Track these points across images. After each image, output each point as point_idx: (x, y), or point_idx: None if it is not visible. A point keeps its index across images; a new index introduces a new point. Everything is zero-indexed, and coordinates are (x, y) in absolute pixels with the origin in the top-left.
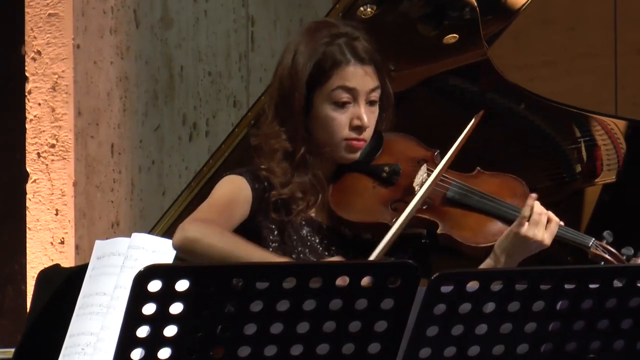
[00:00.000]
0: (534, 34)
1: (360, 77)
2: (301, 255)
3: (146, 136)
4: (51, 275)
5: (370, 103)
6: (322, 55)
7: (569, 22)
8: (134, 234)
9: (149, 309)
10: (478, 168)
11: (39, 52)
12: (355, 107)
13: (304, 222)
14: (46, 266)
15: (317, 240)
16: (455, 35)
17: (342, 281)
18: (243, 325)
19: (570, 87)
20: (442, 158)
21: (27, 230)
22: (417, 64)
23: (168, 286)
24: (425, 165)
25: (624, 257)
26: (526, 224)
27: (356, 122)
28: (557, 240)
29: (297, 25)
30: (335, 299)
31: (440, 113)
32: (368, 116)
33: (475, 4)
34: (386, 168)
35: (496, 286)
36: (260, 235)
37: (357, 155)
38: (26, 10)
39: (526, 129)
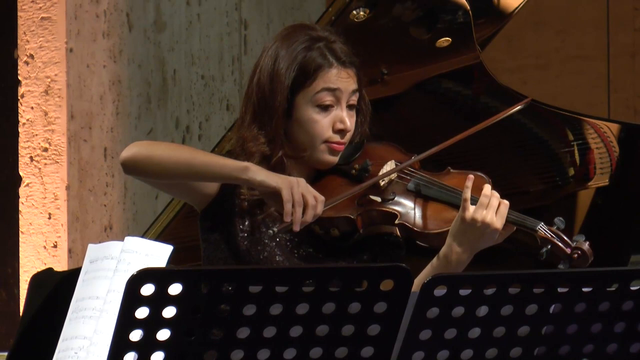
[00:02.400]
0: (526, 37)
1: (343, 79)
2: (267, 248)
3: (139, 140)
4: (44, 279)
5: (350, 107)
6: (304, 59)
7: (562, 25)
8: (126, 238)
9: (141, 312)
10: (448, 167)
11: (31, 56)
12: (338, 110)
13: (276, 217)
14: (39, 270)
15: (287, 238)
16: (448, 38)
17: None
18: (236, 329)
19: (563, 90)
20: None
21: (20, 234)
22: (410, 67)
23: (161, 290)
24: (393, 160)
25: (573, 243)
26: (471, 207)
27: (339, 125)
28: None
29: None
30: (329, 302)
31: (432, 116)
32: (349, 119)
33: (468, 7)
34: (356, 165)
35: (489, 290)
36: (231, 221)
37: (337, 159)
38: (19, 13)
39: (519, 132)
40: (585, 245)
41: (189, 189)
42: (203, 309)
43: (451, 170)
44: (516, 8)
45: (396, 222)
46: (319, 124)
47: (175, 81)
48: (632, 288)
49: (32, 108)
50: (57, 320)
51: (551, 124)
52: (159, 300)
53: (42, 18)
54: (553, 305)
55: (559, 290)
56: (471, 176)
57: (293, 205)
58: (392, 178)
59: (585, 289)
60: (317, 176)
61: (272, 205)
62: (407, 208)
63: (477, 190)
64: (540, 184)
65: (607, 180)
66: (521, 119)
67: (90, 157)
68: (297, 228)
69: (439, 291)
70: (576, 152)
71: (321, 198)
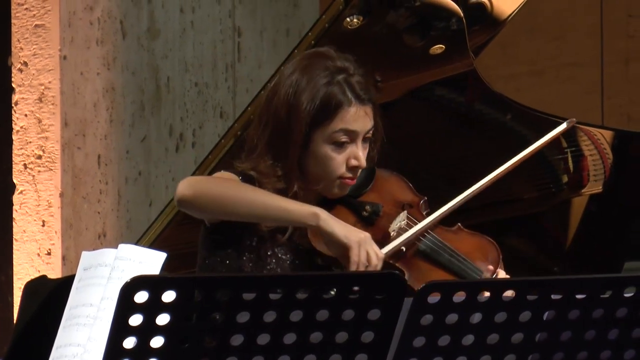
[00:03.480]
0: (520, 44)
1: (361, 118)
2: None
3: (133, 147)
4: (38, 287)
5: (365, 140)
6: (325, 96)
7: (556, 32)
8: (120, 245)
9: (135, 320)
10: (459, 224)
11: (25, 63)
12: (353, 147)
13: (284, 241)
14: (33, 277)
15: (289, 261)
16: (441, 45)
17: None
18: (230, 336)
19: (557, 97)
20: (426, 207)
21: (14, 241)
22: (404, 74)
23: (155, 297)
24: (405, 211)
25: None
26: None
27: (353, 162)
28: None
29: (284, 36)
30: (322, 309)
31: (426, 123)
32: (363, 153)
33: (462, 14)
34: (367, 207)
35: (483, 296)
36: (240, 241)
37: (347, 191)
38: (12, 21)
39: (513, 139)
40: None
41: None
42: (197, 317)
43: (461, 229)
44: (510, 15)
45: None
46: (334, 161)
47: (169, 88)
48: (626, 295)
49: (25, 115)
50: (50, 327)
51: (545, 131)
52: (153, 307)
53: (36, 25)
54: (547, 312)
55: (553, 297)
56: (490, 267)
57: (359, 266)
58: (402, 229)
59: (579, 296)
60: (325, 203)
61: (335, 254)
62: (416, 270)
63: (483, 259)
64: (534, 191)
65: (601, 187)
66: (515, 126)
67: (84, 164)
68: None
69: (433, 298)
70: (570, 159)
71: (381, 256)
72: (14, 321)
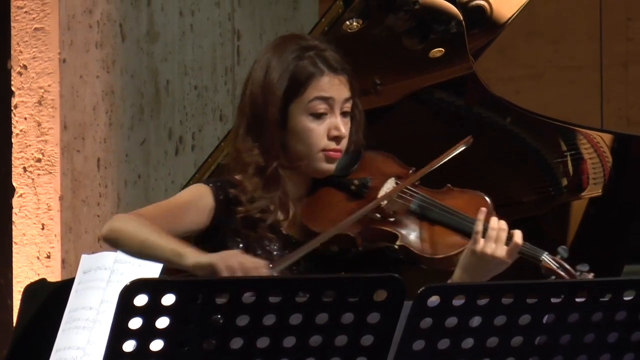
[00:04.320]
0: (519, 47)
1: (336, 86)
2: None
3: (132, 150)
4: (37, 290)
5: (344, 114)
6: (296, 69)
7: (555, 35)
8: None
9: (135, 323)
10: (448, 185)
11: (24, 67)
12: (332, 118)
13: (272, 237)
14: (32, 281)
15: (285, 254)
16: (441, 49)
17: None
18: (229, 339)
19: (556, 100)
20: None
21: (13, 244)
22: (403, 77)
23: (154, 300)
24: (393, 178)
25: (577, 273)
26: (481, 240)
27: (334, 132)
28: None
29: None
30: (322, 312)
31: (425, 126)
32: (344, 126)
33: (461, 17)
34: (355, 181)
35: (483, 300)
36: (225, 247)
37: (333, 166)
38: (12, 24)
39: (512, 142)
40: (590, 277)
41: (185, 231)
42: (196, 320)
43: (451, 188)
44: (509, 18)
45: (397, 243)
46: (314, 132)
47: (169, 92)
48: (625, 298)
49: (25, 119)
50: (50, 330)
51: (544, 135)
52: (152, 310)
53: (35, 29)
54: (546, 316)
55: (552, 300)
56: (484, 209)
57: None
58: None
59: (578, 299)
60: (314, 188)
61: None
62: (409, 230)
63: (476, 211)
64: (533, 195)
65: (600, 191)
66: (514, 129)
67: (84, 167)
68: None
69: (433, 301)
70: (569, 162)
71: (262, 263)
72: (14, 324)
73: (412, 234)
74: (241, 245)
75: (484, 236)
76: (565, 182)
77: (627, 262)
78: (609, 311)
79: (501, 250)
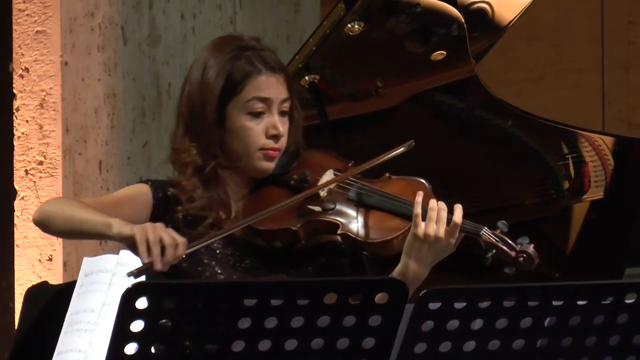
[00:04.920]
0: (521, 50)
1: (273, 86)
2: (207, 268)
3: (134, 153)
4: (39, 293)
5: (282, 113)
6: (232, 68)
7: (556, 38)
8: (121, 251)
9: (136, 326)
10: (387, 174)
11: (26, 69)
12: (270, 117)
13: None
14: (34, 283)
15: (229, 253)
16: (442, 52)
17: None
18: (231, 342)
19: (557, 103)
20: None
21: (15, 247)
22: (405, 80)
23: (155, 303)
24: (331, 170)
25: (518, 246)
26: (422, 223)
27: (272, 131)
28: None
29: (285, 41)
30: (323, 315)
31: (427, 129)
32: (282, 125)
33: (463, 20)
34: (295, 177)
35: (484, 303)
36: None
37: (273, 165)
38: (14, 27)
39: (513, 145)
40: (530, 248)
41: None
42: (198, 323)
43: (390, 177)
44: (511, 21)
45: (339, 232)
46: (252, 131)
47: (170, 94)
48: (627, 301)
49: (27, 121)
50: (52, 333)
51: (546, 137)
52: (154, 313)
53: (37, 31)
54: (548, 318)
55: (554, 303)
56: (421, 192)
57: (150, 246)
58: (332, 187)
59: (580, 302)
60: (255, 187)
61: (136, 254)
62: (349, 218)
63: (414, 195)
64: (535, 197)
65: (602, 193)
66: (516, 132)
67: (85, 170)
68: (159, 267)
69: (434, 304)
70: (571, 165)
71: (182, 240)
72: (15, 327)
73: (352, 222)
74: None
75: (424, 219)
76: (566, 184)
77: (628, 265)
78: (611, 314)
79: (444, 230)
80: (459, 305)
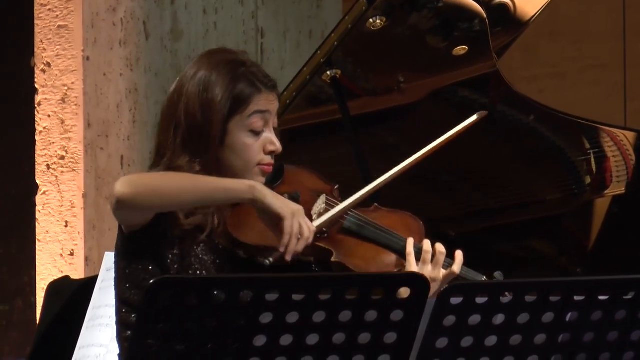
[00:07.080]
0: (542, 46)
1: (272, 102)
2: (197, 273)
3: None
4: (61, 287)
5: (274, 129)
6: (236, 87)
7: (578, 34)
8: None
9: (159, 320)
10: (375, 204)
11: (48, 64)
12: (267, 133)
13: (202, 243)
14: (56, 278)
15: (211, 260)
16: (464, 47)
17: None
18: (252, 337)
19: (579, 99)
20: (340, 193)
21: (37, 242)
22: (427, 75)
23: (178, 298)
24: (324, 195)
25: None
26: (414, 264)
27: (270, 147)
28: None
29: (307, 37)
30: (345, 310)
31: (449, 125)
32: (277, 142)
33: (485, 15)
34: (286, 195)
35: (505, 298)
36: (159, 249)
37: (264, 180)
38: (36, 22)
39: (535, 140)
40: None
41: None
42: (220, 318)
43: (379, 207)
44: (532, 17)
45: (332, 259)
46: (252, 148)
47: None
48: None
49: (49, 116)
50: (73, 328)
51: (567, 133)
52: (176, 309)
53: (59, 26)
54: (569, 313)
55: (576, 298)
56: (411, 239)
57: (291, 238)
58: (323, 212)
59: (601, 297)
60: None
61: (268, 227)
62: (344, 247)
63: (407, 231)
64: (556, 193)
65: (624, 188)
66: (538, 127)
67: (107, 165)
68: (289, 258)
69: (456, 299)
70: (593, 160)
71: (313, 228)
72: (37, 322)
73: (346, 251)
74: (175, 249)
75: (418, 259)
76: (588, 180)
77: None
78: (633, 309)
79: (437, 273)
80: (480, 300)
